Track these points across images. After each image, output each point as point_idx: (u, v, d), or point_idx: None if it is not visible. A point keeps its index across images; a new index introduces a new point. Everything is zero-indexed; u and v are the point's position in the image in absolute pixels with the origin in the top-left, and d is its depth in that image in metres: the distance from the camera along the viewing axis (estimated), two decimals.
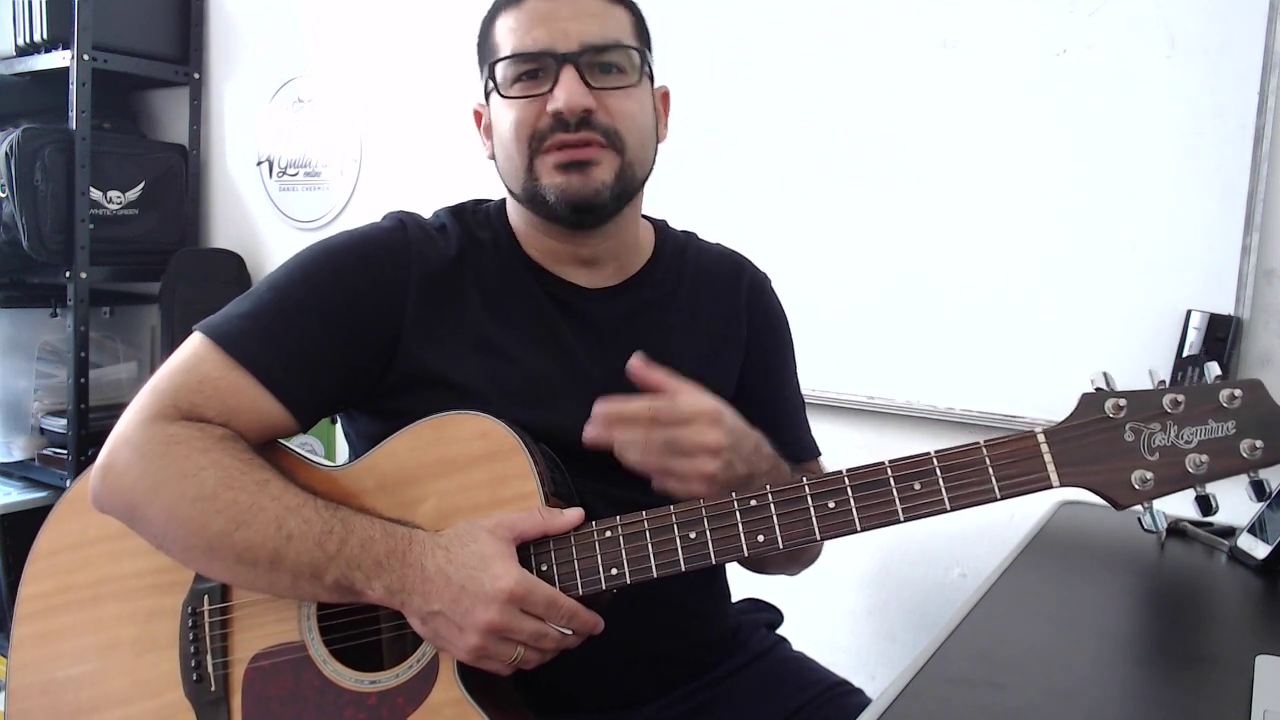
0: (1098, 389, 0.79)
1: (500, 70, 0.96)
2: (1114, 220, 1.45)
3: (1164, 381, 0.79)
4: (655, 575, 0.85)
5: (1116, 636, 0.98)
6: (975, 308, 1.56)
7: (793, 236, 1.70)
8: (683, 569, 0.85)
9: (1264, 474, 0.77)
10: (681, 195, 1.73)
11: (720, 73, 1.76)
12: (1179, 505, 1.36)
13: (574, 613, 0.84)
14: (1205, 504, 0.78)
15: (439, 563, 0.84)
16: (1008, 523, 1.53)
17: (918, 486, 0.80)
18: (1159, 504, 0.78)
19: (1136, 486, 0.77)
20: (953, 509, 0.80)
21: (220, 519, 0.86)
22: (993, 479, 0.79)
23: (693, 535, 0.85)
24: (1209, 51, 1.38)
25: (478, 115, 1.06)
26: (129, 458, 0.90)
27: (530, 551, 0.86)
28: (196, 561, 0.91)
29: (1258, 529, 1.17)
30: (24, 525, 2.42)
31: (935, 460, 0.80)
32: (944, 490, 0.80)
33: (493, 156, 1.04)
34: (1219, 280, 1.37)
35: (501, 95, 0.96)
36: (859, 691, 1.12)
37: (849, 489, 0.82)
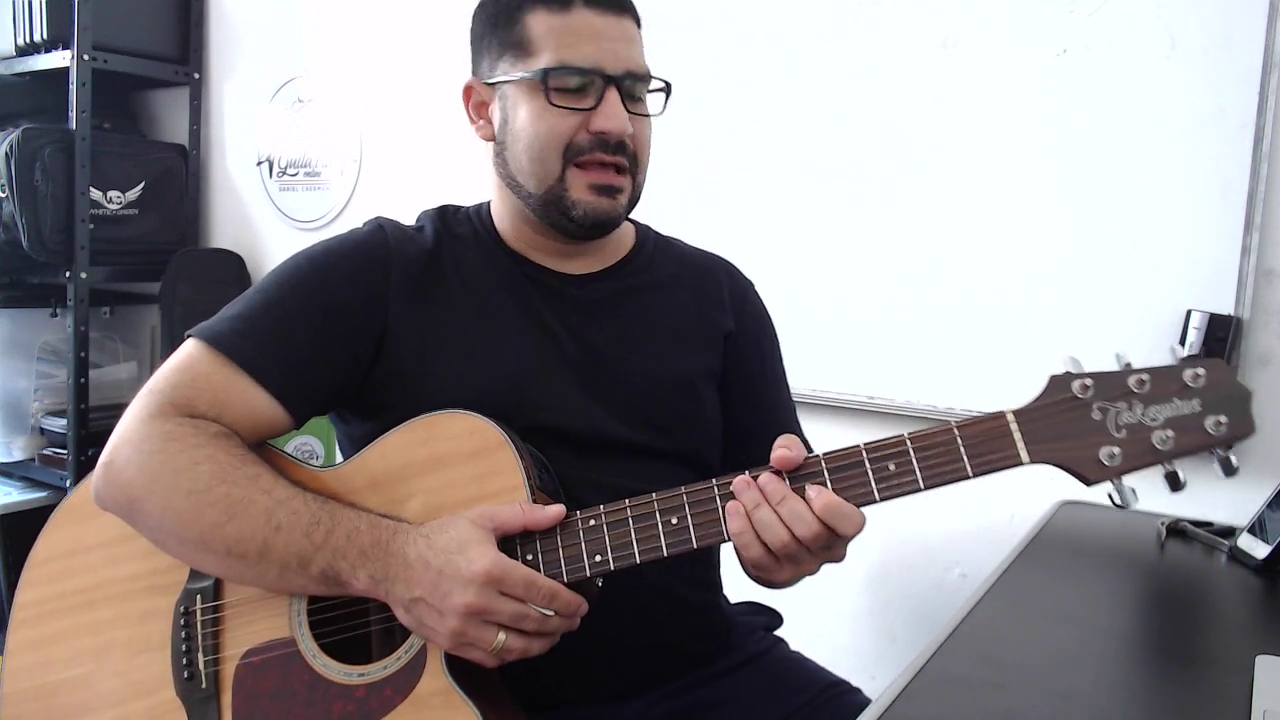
0: (1066, 371, 0.82)
1: (545, 76, 0.97)
2: (1114, 220, 1.45)
3: (1130, 364, 0.81)
4: (639, 560, 0.86)
5: (1116, 636, 0.98)
6: (975, 308, 1.56)
7: (794, 236, 1.70)
8: (665, 554, 0.85)
9: (1235, 457, 0.79)
10: (681, 195, 1.73)
11: (719, 72, 1.76)
12: (1177, 505, 1.36)
13: (554, 592, 0.83)
14: (1174, 480, 0.80)
15: (420, 550, 0.84)
16: (1008, 523, 1.54)
17: (892, 467, 0.82)
18: (1129, 480, 0.81)
19: (1105, 462, 0.79)
20: (927, 488, 0.82)
21: (213, 511, 0.88)
22: (964, 458, 0.81)
23: (674, 520, 0.86)
24: (1209, 51, 1.38)
25: (468, 92, 1.07)
26: (128, 455, 0.91)
27: (515, 542, 0.87)
28: (190, 555, 0.92)
29: (1258, 529, 1.17)
30: (24, 525, 2.42)
31: (909, 442, 0.82)
32: (918, 470, 0.81)
33: (492, 139, 1.05)
34: (1219, 280, 1.37)
35: (549, 102, 0.98)
36: (857, 691, 1.12)
37: (825, 471, 0.84)
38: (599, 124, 0.98)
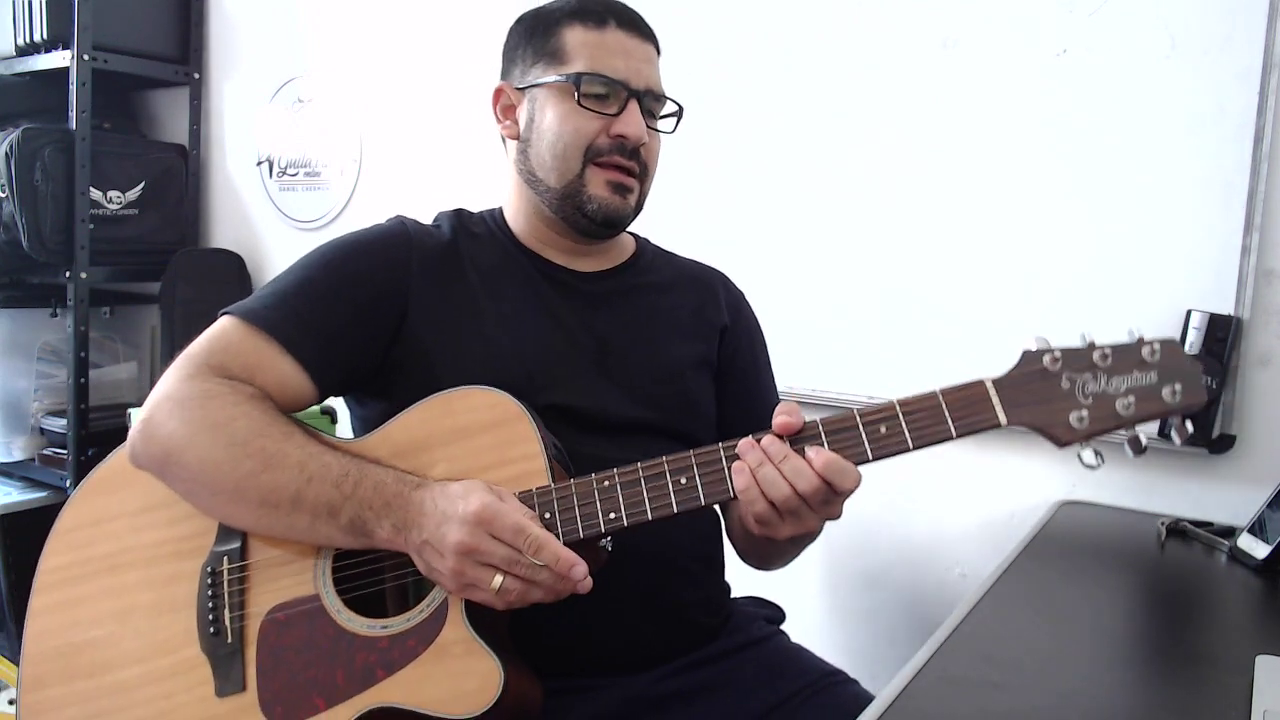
0: (1038, 348, 0.90)
1: (579, 79, 1.07)
2: (1114, 220, 1.45)
3: (1093, 342, 0.89)
4: (650, 517, 0.90)
5: (1116, 636, 0.98)
6: (975, 308, 1.56)
7: (794, 236, 1.70)
8: (675, 510, 0.90)
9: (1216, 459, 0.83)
10: (682, 196, 1.73)
11: (719, 72, 1.76)
12: (1177, 505, 1.36)
13: (541, 543, 0.86)
14: (1136, 444, 0.87)
15: (433, 497, 0.89)
16: (1008, 523, 1.54)
17: (883, 430, 0.89)
18: (1097, 444, 0.88)
19: (1074, 425, 0.87)
20: (915, 448, 0.88)
21: (250, 462, 0.93)
22: (949, 419, 0.88)
23: (683, 480, 0.91)
24: (1209, 51, 1.38)
25: (498, 94, 1.16)
26: (169, 410, 0.96)
27: (534, 501, 0.91)
28: (222, 507, 0.96)
29: (1258, 529, 1.17)
30: (24, 525, 2.42)
31: (898, 407, 0.89)
32: (907, 431, 0.88)
33: (516, 138, 1.14)
34: (1219, 280, 1.37)
35: (579, 103, 1.07)
36: (854, 682, 1.14)
37: (823, 435, 0.90)
38: (620, 128, 1.07)
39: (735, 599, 1.20)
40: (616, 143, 1.08)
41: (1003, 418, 0.88)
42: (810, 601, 1.72)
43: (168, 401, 0.97)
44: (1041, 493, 1.45)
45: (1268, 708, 0.76)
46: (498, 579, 0.86)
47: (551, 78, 1.09)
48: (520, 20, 1.16)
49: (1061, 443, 0.87)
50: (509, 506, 0.88)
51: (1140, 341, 0.88)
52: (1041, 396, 0.88)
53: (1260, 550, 1.14)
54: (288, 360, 1.00)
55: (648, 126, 1.10)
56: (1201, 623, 1.04)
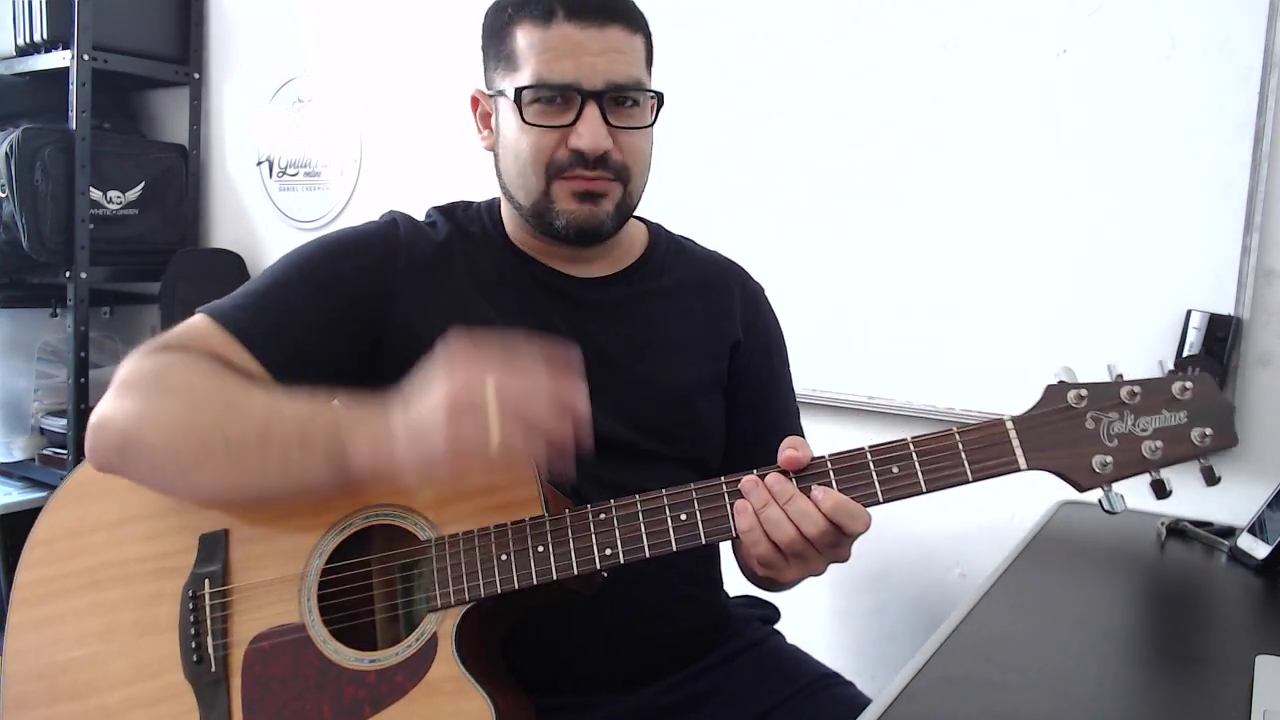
0: (1061, 381, 0.85)
1: (522, 92, 0.98)
2: (1114, 220, 1.45)
3: (1121, 375, 0.84)
4: (648, 555, 0.87)
5: (1117, 636, 0.98)
6: (975, 308, 1.56)
7: (793, 237, 1.70)
8: (674, 549, 0.87)
9: (1217, 464, 0.82)
10: (682, 196, 1.73)
11: (719, 72, 1.76)
12: (1177, 505, 1.36)
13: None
14: (1160, 488, 0.82)
15: (404, 396, 0.84)
16: (1008, 523, 1.54)
17: (895, 470, 0.84)
18: (1118, 487, 0.83)
19: (1097, 470, 0.82)
20: (928, 491, 0.84)
21: (210, 411, 0.89)
22: (965, 462, 0.83)
23: (683, 516, 0.87)
24: (1209, 51, 1.37)
25: (475, 102, 1.08)
26: (120, 395, 0.91)
27: (527, 532, 0.88)
28: (188, 471, 0.90)
29: (1258, 529, 1.17)
30: (24, 525, 2.39)
31: (912, 445, 0.84)
32: (920, 473, 0.84)
33: (493, 149, 1.07)
34: (1219, 280, 1.37)
35: (524, 120, 0.98)
36: (850, 684, 1.12)
37: (831, 472, 0.85)
38: (574, 141, 0.97)
39: (732, 599, 1.19)
40: (576, 155, 0.98)
41: (1023, 462, 0.82)
42: (810, 601, 1.72)
43: (114, 390, 0.92)
44: (1041, 493, 1.44)
45: (1268, 708, 0.76)
46: (494, 421, 0.79)
47: (501, 88, 1.01)
48: (485, 15, 1.05)
49: (1082, 488, 0.83)
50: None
51: (1172, 375, 0.83)
52: (1064, 438, 0.82)
53: (1260, 550, 1.14)
54: (255, 365, 0.95)
55: (616, 126, 0.98)
56: (1201, 623, 1.04)
